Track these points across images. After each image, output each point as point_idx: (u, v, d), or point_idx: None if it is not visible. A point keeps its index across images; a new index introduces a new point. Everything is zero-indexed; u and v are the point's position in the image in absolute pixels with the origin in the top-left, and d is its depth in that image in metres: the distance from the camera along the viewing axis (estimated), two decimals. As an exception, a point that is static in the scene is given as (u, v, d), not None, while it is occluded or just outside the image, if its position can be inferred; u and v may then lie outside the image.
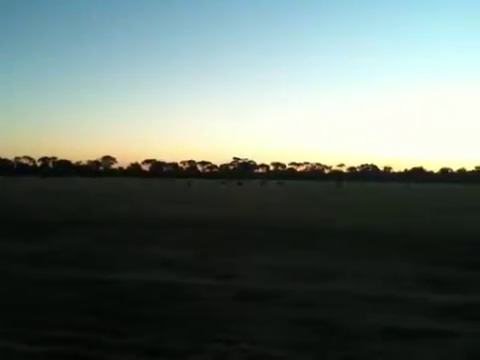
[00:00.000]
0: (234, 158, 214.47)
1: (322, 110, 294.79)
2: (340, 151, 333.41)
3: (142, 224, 16.94)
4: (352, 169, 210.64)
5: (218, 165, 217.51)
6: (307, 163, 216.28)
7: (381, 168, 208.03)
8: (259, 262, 9.98)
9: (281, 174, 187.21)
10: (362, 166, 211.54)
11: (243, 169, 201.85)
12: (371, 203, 34.13)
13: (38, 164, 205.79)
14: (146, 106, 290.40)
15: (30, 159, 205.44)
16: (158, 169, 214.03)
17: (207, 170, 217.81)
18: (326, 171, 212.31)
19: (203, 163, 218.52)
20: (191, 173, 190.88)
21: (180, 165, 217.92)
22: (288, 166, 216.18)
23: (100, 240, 12.81)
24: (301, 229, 16.02)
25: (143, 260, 10.06)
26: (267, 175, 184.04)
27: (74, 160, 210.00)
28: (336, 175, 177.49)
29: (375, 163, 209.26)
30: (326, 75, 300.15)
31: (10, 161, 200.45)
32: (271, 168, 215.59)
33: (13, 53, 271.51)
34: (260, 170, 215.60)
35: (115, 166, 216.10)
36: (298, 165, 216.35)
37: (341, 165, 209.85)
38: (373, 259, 10.53)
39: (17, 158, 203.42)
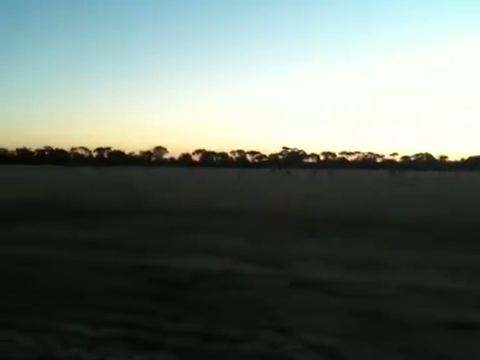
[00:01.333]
0: (283, 147, 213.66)
1: (374, 98, 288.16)
2: (393, 140, 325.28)
3: (195, 213, 17.19)
4: (406, 158, 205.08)
5: (267, 155, 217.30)
6: (358, 152, 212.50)
7: (436, 157, 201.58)
8: (313, 252, 9.93)
9: (331, 163, 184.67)
10: (416, 155, 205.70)
11: (292, 158, 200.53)
12: (430, 193, 33.11)
13: (93, 154, 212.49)
14: (197, 97, 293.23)
15: (86, 150, 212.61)
16: (208, 159, 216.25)
17: (256, 160, 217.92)
18: (378, 160, 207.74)
19: (252, 153, 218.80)
20: (240, 163, 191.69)
21: (230, 155, 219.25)
22: (338, 155, 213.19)
23: (154, 228, 13.11)
24: (355, 219, 15.78)
25: (196, 248, 10.21)
26: (317, 165, 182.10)
27: (127, 151, 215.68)
28: (389, 164, 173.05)
29: (430, 152, 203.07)
30: (378, 63, 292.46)
31: (67, 152, 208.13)
32: (321, 158, 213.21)
33: (80, 50, 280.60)
34: (310, 160, 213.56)
35: (166, 156, 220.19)
36: (349, 154, 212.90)
37: (394, 154, 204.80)
38: (431, 250, 10.24)
39: (73, 149, 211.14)
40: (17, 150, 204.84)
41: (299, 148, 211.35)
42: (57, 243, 10.55)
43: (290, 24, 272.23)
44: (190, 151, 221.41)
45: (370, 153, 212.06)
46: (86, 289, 6.75)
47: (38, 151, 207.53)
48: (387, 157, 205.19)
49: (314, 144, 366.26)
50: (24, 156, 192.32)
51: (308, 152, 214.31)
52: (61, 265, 8.35)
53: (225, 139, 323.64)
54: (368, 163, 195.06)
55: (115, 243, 10.70)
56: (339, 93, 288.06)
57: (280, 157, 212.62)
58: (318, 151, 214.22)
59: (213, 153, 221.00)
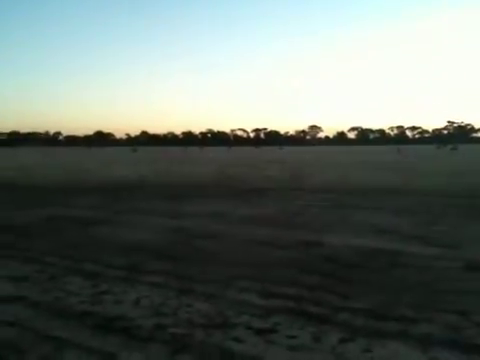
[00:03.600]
0: (448, 122, 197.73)
1: None
2: None
3: (354, 191, 16.84)
4: None
5: (430, 130, 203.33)
6: None
7: None
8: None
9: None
10: None
11: (459, 133, 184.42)
12: None
13: (251, 135, 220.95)
14: (353, 72, 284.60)
15: (244, 131, 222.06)
16: (364, 136, 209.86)
17: (417, 135, 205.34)
18: None
19: (413, 128, 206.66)
20: (400, 139, 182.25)
21: (388, 131, 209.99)
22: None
23: (313, 207, 13.17)
24: None
25: (358, 226, 10.00)
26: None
27: (283, 130, 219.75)
28: None
29: None
30: None
31: (227, 133, 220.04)
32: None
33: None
34: (479, 134, 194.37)
35: (321, 135, 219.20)
36: None
37: None
38: None
39: (233, 130, 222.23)
40: (182, 133, 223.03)
41: (467, 122, 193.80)
42: (229, 219, 11.21)
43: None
44: (345, 129, 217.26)
45: None
46: (253, 262, 7.02)
47: (201, 133, 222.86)
48: None
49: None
50: (189, 138, 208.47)
51: (477, 126, 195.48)
52: (232, 239, 8.82)
53: (381, 114, 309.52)
54: None
55: (276, 219, 11.01)
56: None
57: (445, 132, 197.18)
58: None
59: (370, 130, 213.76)
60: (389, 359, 3.80)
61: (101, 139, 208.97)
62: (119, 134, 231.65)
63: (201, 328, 4.49)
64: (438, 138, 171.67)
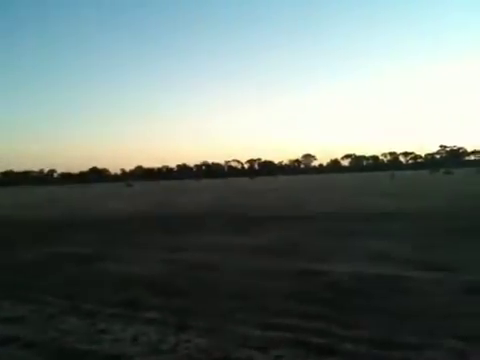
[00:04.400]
0: (441, 146, 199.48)
1: None
2: None
3: (350, 217, 16.80)
4: None
5: (422, 155, 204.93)
6: None
7: None
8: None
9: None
10: None
11: (452, 157, 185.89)
12: None
13: (245, 166, 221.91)
14: (344, 100, 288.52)
15: (238, 162, 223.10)
16: (358, 163, 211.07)
17: (410, 161, 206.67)
18: None
19: (406, 154, 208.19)
20: (393, 165, 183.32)
21: (381, 158, 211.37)
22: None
23: (310, 233, 13.09)
24: None
25: (356, 252, 9.93)
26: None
27: (276, 160, 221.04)
28: None
29: None
30: None
31: (221, 165, 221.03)
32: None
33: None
34: (472, 157, 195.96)
35: (315, 163, 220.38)
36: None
37: None
38: None
39: (227, 162, 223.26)
40: (177, 166, 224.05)
41: (459, 145, 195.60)
42: (226, 249, 11.11)
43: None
44: (338, 156, 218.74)
45: None
46: (251, 293, 6.92)
47: (196, 166, 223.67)
48: None
49: (476, 140, 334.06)
50: (184, 171, 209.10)
51: (469, 149, 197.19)
52: (230, 270, 8.72)
53: (374, 142, 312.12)
54: None
55: (271, 248, 10.92)
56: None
57: (437, 156, 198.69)
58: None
59: (363, 157, 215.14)
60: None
61: (96, 175, 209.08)
62: (114, 169, 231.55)
63: (201, 364, 4.38)
64: (431, 163, 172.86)
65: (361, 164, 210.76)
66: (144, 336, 5.26)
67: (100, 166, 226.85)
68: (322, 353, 4.49)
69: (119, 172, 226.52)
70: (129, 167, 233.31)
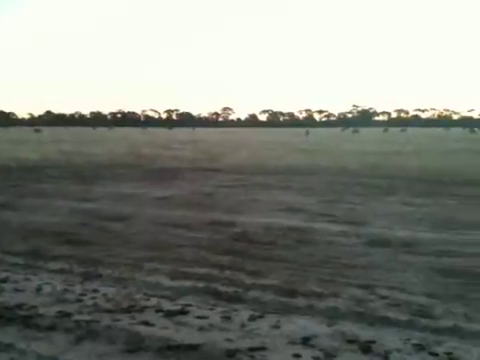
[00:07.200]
0: (353, 106, 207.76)
1: (450, 49, 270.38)
2: (470, 95, 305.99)
3: (264, 171, 17.14)
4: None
5: (336, 113, 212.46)
6: (434, 109, 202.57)
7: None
8: (386, 210, 9.62)
9: (404, 122, 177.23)
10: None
11: (362, 117, 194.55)
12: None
13: (163, 116, 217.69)
14: (265, 56, 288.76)
15: (156, 111, 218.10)
16: (275, 119, 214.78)
17: (324, 119, 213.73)
18: (455, 117, 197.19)
19: (320, 112, 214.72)
20: (308, 122, 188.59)
21: (297, 114, 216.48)
22: (412, 113, 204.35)
23: (224, 186, 13.22)
24: (427, 179, 15.04)
25: (267, 205, 10.19)
26: (389, 123, 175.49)
27: (195, 112, 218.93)
28: (466, 121, 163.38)
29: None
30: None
31: (137, 114, 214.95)
32: (393, 115, 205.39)
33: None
34: (380, 117, 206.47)
35: (233, 117, 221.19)
36: (423, 111, 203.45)
37: (471, 110, 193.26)
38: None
39: (143, 111, 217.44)
40: (91, 113, 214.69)
41: (369, 106, 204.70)
42: (138, 200, 10.93)
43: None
44: (257, 111, 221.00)
45: (446, 109, 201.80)
46: (164, 242, 6.90)
47: (111, 114, 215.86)
48: (464, 114, 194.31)
49: (386, 102, 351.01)
50: (98, 118, 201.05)
51: (379, 110, 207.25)
52: (141, 221, 8.60)
53: (292, 99, 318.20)
54: (444, 120, 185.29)
55: (185, 199, 10.93)
56: (410, 46, 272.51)
57: (349, 115, 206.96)
58: (391, 109, 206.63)
59: (280, 113, 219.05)
60: (297, 334, 3.87)
61: (1, 119, 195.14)
62: (21, 114, 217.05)
63: (108, 313, 4.30)
64: (343, 121, 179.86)
65: (278, 120, 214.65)
66: (48, 286, 5.07)
67: (6, 110, 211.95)
68: (231, 300, 4.59)
69: (27, 116, 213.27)
70: (38, 112, 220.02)
